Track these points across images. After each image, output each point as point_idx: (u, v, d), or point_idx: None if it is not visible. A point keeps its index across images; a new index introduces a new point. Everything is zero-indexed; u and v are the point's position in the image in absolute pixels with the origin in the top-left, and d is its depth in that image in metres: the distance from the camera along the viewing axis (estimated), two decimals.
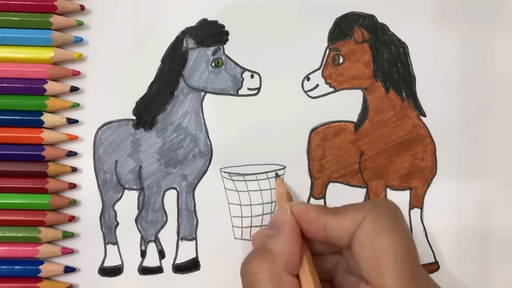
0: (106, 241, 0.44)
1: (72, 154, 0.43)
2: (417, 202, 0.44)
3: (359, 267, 0.35)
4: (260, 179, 0.44)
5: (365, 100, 0.45)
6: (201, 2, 0.45)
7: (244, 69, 0.44)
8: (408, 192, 0.45)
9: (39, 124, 0.43)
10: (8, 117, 0.43)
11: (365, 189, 0.45)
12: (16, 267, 0.42)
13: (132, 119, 0.44)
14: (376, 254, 0.34)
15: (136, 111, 0.44)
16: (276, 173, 0.43)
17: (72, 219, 0.43)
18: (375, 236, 0.34)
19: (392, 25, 0.45)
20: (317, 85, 0.45)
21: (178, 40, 0.44)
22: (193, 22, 0.45)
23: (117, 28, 0.44)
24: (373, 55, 0.45)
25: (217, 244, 0.44)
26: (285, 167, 0.44)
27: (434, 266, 0.44)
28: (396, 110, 0.45)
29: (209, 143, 0.44)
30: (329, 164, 0.44)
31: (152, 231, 0.44)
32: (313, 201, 0.44)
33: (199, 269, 0.44)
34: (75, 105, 0.43)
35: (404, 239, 0.34)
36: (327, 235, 0.36)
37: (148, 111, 0.44)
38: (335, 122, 0.45)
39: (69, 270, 0.43)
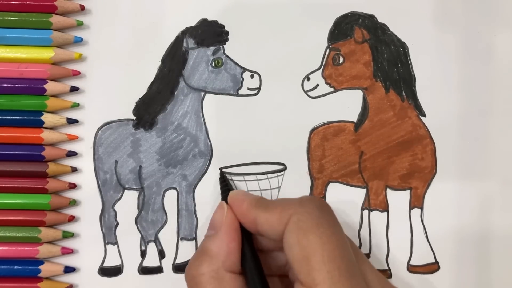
0: (106, 241, 0.44)
1: (72, 154, 0.43)
2: (417, 202, 0.44)
3: (292, 268, 0.34)
4: (260, 179, 0.44)
5: (365, 100, 0.45)
6: (201, 2, 0.45)
7: (244, 69, 0.44)
8: (408, 192, 0.45)
9: (39, 124, 0.43)
10: (8, 117, 0.43)
11: (365, 189, 0.45)
12: (16, 267, 0.42)
13: (132, 119, 0.44)
14: (304, 254, 0.33)
15: (136, 111, 0.44)
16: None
17: (72, 219, 0.43)
18: (302, 236, 0.34)
19: (392, 25, 0.45)
20: (317, 85, 0.45)
21: (178, 40, 0.44)
22: (193, 22, 0.45)
23: (117, 28, 0.44)
24: (373, 55, 0.45)
25: None
26: (285, 167, 0.44)
27: (434, 266, 0.44)
28: (396, 110, 0.45)
29: (209, 143, 0.44)
30: (329, 164, 0.44)
31: (152, 231, 0.44)
32: None
33: None
34: (75, 105, 0.43)
35: (330, 235, 0.34)
36: (259, 230, 0.36)
37: (148, 111, 0.44)
38: (335, 122, 0.45)
39: (69, 270, 0.43)
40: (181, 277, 0.44)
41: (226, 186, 0.42)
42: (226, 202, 0.39)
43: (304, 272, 0.33)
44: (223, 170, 0.44)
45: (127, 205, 0.44)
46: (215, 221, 0.37)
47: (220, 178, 0.43)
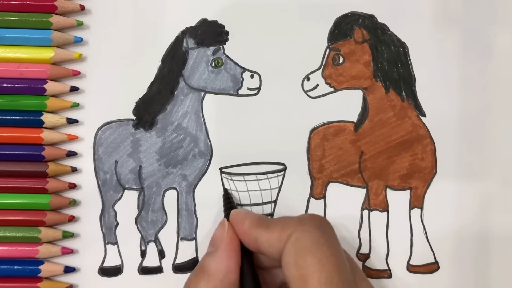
0: (106, 241, 0.44)
1: (72, 154, 0.43)
2: (417, 202, 0.44)
3: (289, 286, 0.34)
4: (260, 179, 0.44)
5: (365, 100, 0.45)
6: (201, 2, 0.45)
7: (244, 69, 0.44)
8: (408, 192, 0.45)
9: (39, 124, 0.43)
10: (8, 117, 0.43)
11: (365, 189, 0.45)
12: (16, 267, 0.42)
13: (132, 119, 0.44)
14: (302, 274, 0.33)
15: (136, 111, 0.44)
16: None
17: (72, 219, 0.43)
18: (299, 256, 0.34)
19: (392, 25, 0.45)
20: (317, 85, 0.45)
21: (178, 40, 0.44)
22: (193, 22, 0.45)
23: (117, 28, 0.44)
24: (373, 55, 0.45)
25: None
26: (285, 167, 0.44)
27: (434, 266, 0.44)
28: (396, 110, 0.45)
29: (209, 143, 0.44)
30: (329, 164, 0.44)
31: (152, 231, 0.44)
32: (313, 201, 0.44)
33: None
34: (75, 105, 0.43)
35: (328, 256, 0.34)
36: (259, 249, 0.36)
37: (148, 111, 0.44)
38: (335, 122, 0.45)
39: (69, 270, 0.43)
40: (181, 277, 0.44)
41: (229, 203, 0.42)
42: (228, 219, 0.39)
43: None
44: (223, 170, 0.44)
45: (127, 205, 0.44)
46: (215, 239, 0.38)
47: (223, 195, 0.43)
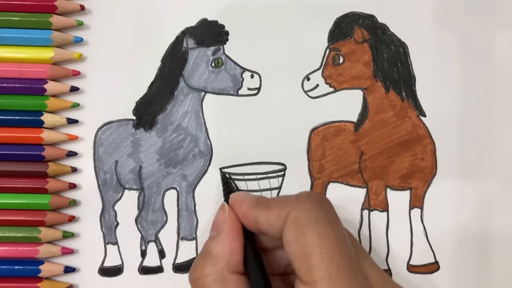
0: (106, 241, 0.44)
1: (72, 154, 0.43)
2: (417, 202, 0.44)
3: (292, 265, 0.34)
4: (260, 179, 0.44)
5: (365, 100, 0.45)
6: (201, 2, 0.45)
7: (244, 69, 0.44)
8: (408, 192, 0.45)
9: (39, 124, 0.43)
10: (8, 117, 0.43)
11: (365, 189, 0.45)
12: (16, 267, 0.42)
13: (132, 119, 0.44)
14: (303, 251, 0.33)
15: (136, 111, 0.44)
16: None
17: (72, 219, 0.43)
18: (299, 233, 0.34)
19: (392, 25, 0.45)
20: (317, 85, 0.45)
21: (178, 40, 0.44)
22: (193, 22, 0.45)
23: (117, 28, 0.44)
24: (373, 55, 0.45)
25: None
26: (285, 167, 0.44)
27: (434, 266, 0.44)
28: (396, 110, 0.45)
29: (209, 143, 0.44)
30: (329, 164, 0.44)
31: (152, 231, 0.44)
32: None
33: None
34: (75, 105, 0.43)
35: (328, 232, 0.34)
36: (260, 229, 0.36)
37: (148, 111, 0.44)
38: (335, 122, 0.45)
39: (69, 270, 0.43)
40: (181, 277, 0.44)
41: (228, 187, 0.42)
42: (228, 203, 0.39)
43: (304, 270, 0.33)
44: (223, 170, 0.44)
45: (127, 205, 0.44)
46: (217, 222, 0.38)
47: (222, 180, 0.44)
